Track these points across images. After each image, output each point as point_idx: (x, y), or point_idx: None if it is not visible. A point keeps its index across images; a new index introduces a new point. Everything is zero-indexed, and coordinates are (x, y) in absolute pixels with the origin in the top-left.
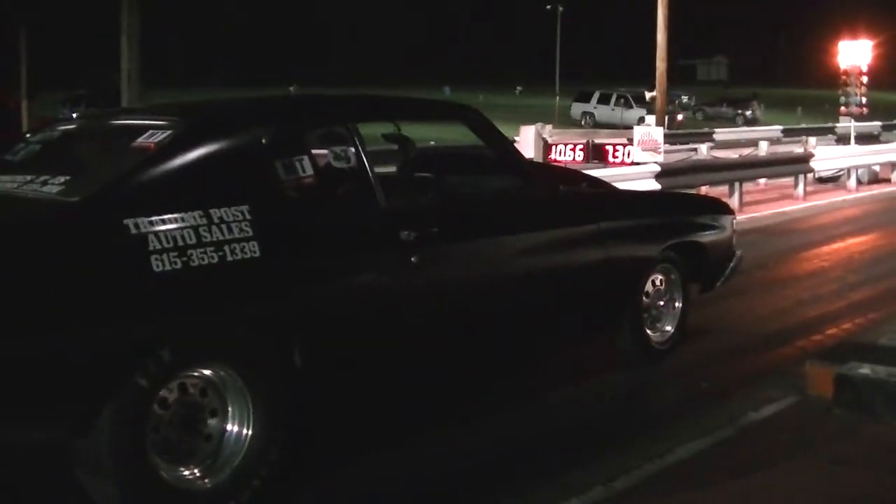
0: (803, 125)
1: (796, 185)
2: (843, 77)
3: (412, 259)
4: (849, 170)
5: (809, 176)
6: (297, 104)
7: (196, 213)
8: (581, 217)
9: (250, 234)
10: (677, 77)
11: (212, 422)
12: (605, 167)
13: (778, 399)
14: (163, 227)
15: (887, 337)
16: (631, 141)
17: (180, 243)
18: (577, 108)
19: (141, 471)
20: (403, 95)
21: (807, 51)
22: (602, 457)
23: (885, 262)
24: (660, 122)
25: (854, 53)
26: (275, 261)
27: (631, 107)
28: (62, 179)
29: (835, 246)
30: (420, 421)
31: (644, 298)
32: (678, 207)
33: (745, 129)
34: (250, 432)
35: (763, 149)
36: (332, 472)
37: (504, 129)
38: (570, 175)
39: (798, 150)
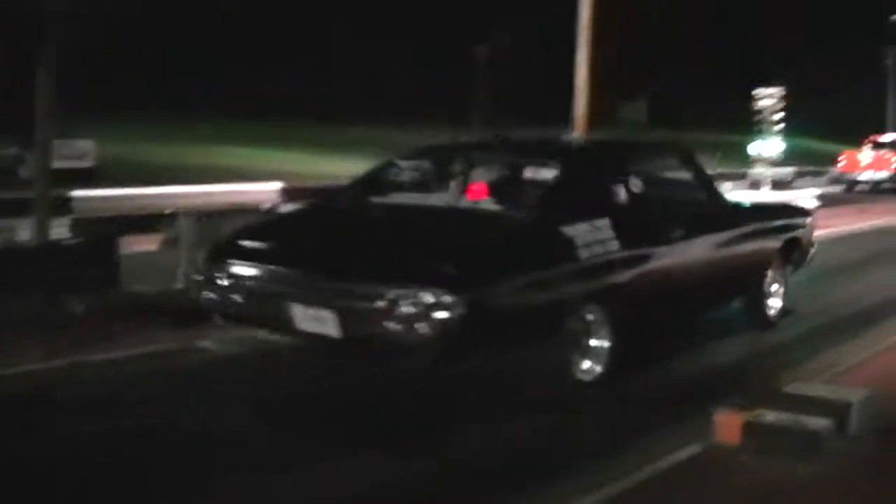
0: (719, 170)
1: None
2: (758, 122)
3: (676, 247)
4: None
5: None
6: (627, 147)
7: (589, 223)
8: (742, 221)
9: (613, 236)
10: (598, 119)
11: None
12: None
13: (688, 444)
14: (577, 232)
15: (793, 385)
16: None
17: (587, 241)
18: None
19: (567, 363)
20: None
21: (724, 95)
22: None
23: (795, 310)
24: None
25: (769, 99)
26: (625, 252)
27: None
28: (494, 200)
29: None
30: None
31: (766, 279)
32: (786, 213)
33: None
34: (609, 344)
35: None
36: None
37: None
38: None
39: None
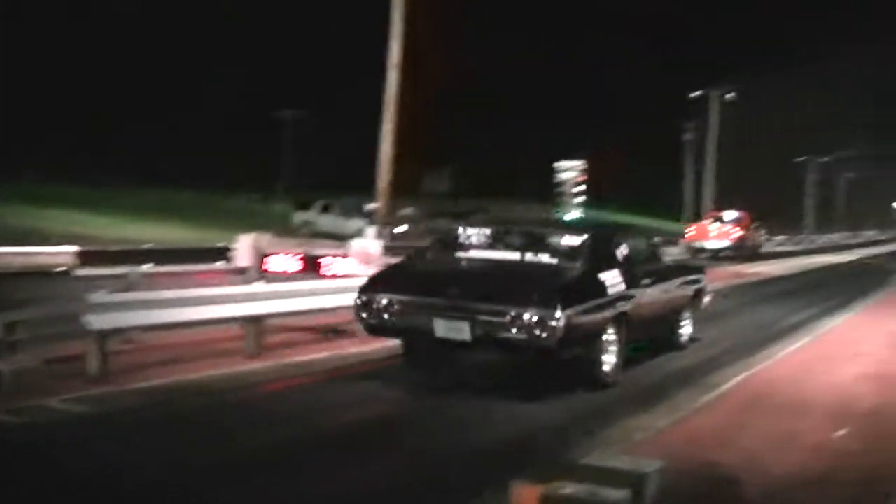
0: None
1: None
2: (560, 194)
3: (647, 290)
4: None
5: None
6: (618, 227)
7: (610, 272)
8: (678, 275)
9: (623, 280)
10: (404, 188)
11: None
12: (318, 279)
13: None
14: (604, 277)
15: (591, 455)
16: (348, 253)
17: (610, 283)
18: (298, 216)
19: (599, 359)
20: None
21: (529, 167)
22: None
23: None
24: (380, 234)
25: (570, 171)
26: (628, 291)
27: (351, 217)
28: (549, 257)
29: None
30: None
31: (682, 317)
32: (693, 270)
33: None
34: (616, 349)
35: None
36: None
37: (226, 234)
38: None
39: None
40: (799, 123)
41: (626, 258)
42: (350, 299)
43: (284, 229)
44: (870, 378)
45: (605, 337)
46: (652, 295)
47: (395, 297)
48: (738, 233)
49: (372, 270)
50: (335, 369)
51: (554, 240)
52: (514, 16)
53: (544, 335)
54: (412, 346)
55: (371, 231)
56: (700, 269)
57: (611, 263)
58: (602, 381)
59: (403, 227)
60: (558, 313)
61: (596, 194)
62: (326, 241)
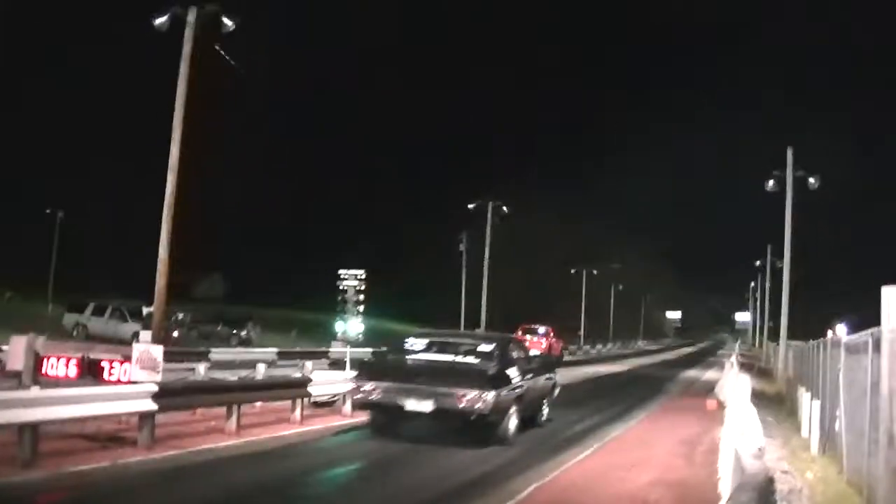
0: (298, 348)
1: (294, 408)
2: (343, 302)
3: (530, 381)
4: (344, 395)
5: (307, 399)
6: (510, 338)
7: (511, 367)
8: (543, 371)
9: (519, 374)
10: (176, 292)
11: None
12: (98, 384)
13: None
14: (509, 372)
15: None
16: (129, 358)
17: (512, 376)
18: (69, 319)
19: (507, 426)
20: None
21: (311, 275)
22: None
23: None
24: (157, 339)
25: (352, 280)
26: (520, 381)
27: (126, 320)
28: (472, 358)
29: (339, 470)
30: None
31: (545, 402)
32: (552, 369)
33: (241, 349)
34: (516, 420)
35: (261, 371)
36: None
37: None
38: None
39: (295, 373)
40: (576, 236)
41: (518, 359)
42: (132, 406)
43: (56, 331)
44: (662, 484)
45: (510, 411)
46: (532, 385)
47: (377, 384)
48: (545, 344)
49: (156, 377)
50: (114, 479)
51: (472, 346)
52: (293, 125)
53: (482, 406)
54: (380, 418)
55: (146, 335)
56: (554, 369)
57: (511, 363)
58: (507, 441)
59: (175, 332)
60: (491, 393)
61: (375, 303)
62: (103, 345)
